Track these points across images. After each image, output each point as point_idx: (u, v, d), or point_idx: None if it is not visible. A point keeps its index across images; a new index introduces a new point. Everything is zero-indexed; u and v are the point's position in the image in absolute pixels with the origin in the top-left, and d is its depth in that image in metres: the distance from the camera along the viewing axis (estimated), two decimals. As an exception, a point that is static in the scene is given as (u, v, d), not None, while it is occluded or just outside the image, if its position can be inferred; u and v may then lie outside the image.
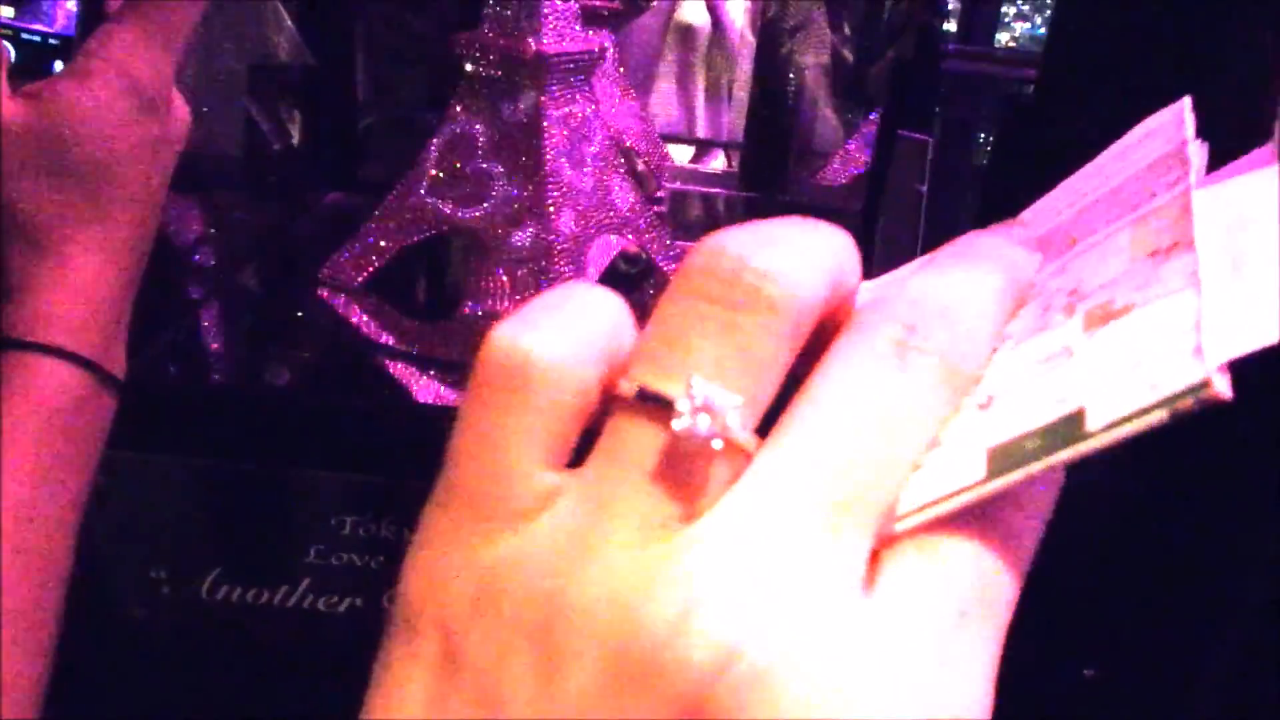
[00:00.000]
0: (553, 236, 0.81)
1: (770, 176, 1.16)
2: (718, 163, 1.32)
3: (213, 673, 0.73)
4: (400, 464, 0.67)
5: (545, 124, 0.81)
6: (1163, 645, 0.70)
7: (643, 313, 0.21)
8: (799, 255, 0.19)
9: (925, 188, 0.98)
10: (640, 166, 1.12)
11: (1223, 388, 0.16)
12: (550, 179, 0.82)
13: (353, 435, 0.69)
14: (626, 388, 0.19)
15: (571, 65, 0.82)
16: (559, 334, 0.20)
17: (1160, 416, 0.17)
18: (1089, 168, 0.26)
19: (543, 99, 0.81)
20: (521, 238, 0.82)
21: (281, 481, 0.68)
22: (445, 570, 0.19)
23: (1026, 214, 0.26)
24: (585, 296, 0.21)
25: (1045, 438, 0.18)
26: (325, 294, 0.87)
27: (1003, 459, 0.18)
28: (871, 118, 1.09)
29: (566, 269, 0.81)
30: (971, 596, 0.18)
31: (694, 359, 0.19)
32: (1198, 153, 0.23)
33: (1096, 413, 0.17)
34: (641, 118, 1.12)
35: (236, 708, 0.73)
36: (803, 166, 1.17)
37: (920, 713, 0.17)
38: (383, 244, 0.86)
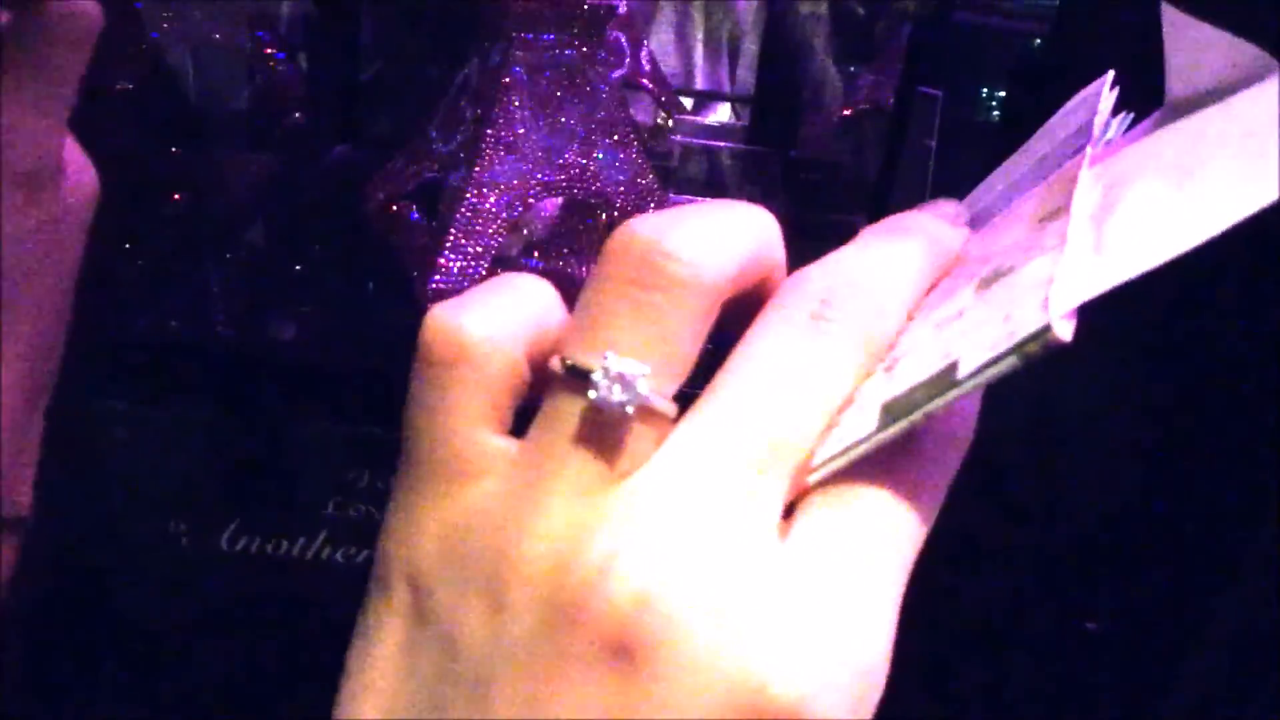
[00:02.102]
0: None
1: (781, 131, 1.15)
2: (718, 115, 1.30)
3: (231, 622, 0.74)
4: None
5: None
6: (1167, 599, 0.71)
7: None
8: (706, 238, 0.21)
9: (934, 143, 0.98)
10: (657, 118, 1.11)
11: (1064, 333, 0.18)
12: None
13: (367, 390, 0.69)
14: (555, 364, 0.22)
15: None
16: (488, 316, 0.22)
17: (1013, 362, 0.19)
18: (1026, 144, 0.28)
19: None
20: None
21: (299, 436, 0.69)
22: (410, 530, 0.22)
23: (976, 190, 0.28)
24: (515, 283, 0.24)
25: (926, 389, 0.20)
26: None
27: (892, 411, 0.20)
28: (884, 75, 1.08)
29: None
30: (875, 542, 0.21)
31: (612, 335, 0.21)
32: (1111, 125, 0.26)
33: (965, 362, 0.20)
34: (655, 66, 1.11)
35: (254, 656, 0.74)
36: (810, 121, 1.16)
37: (826, 645, 0.19)
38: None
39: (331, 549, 0.71)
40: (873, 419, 0.21)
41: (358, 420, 0.69)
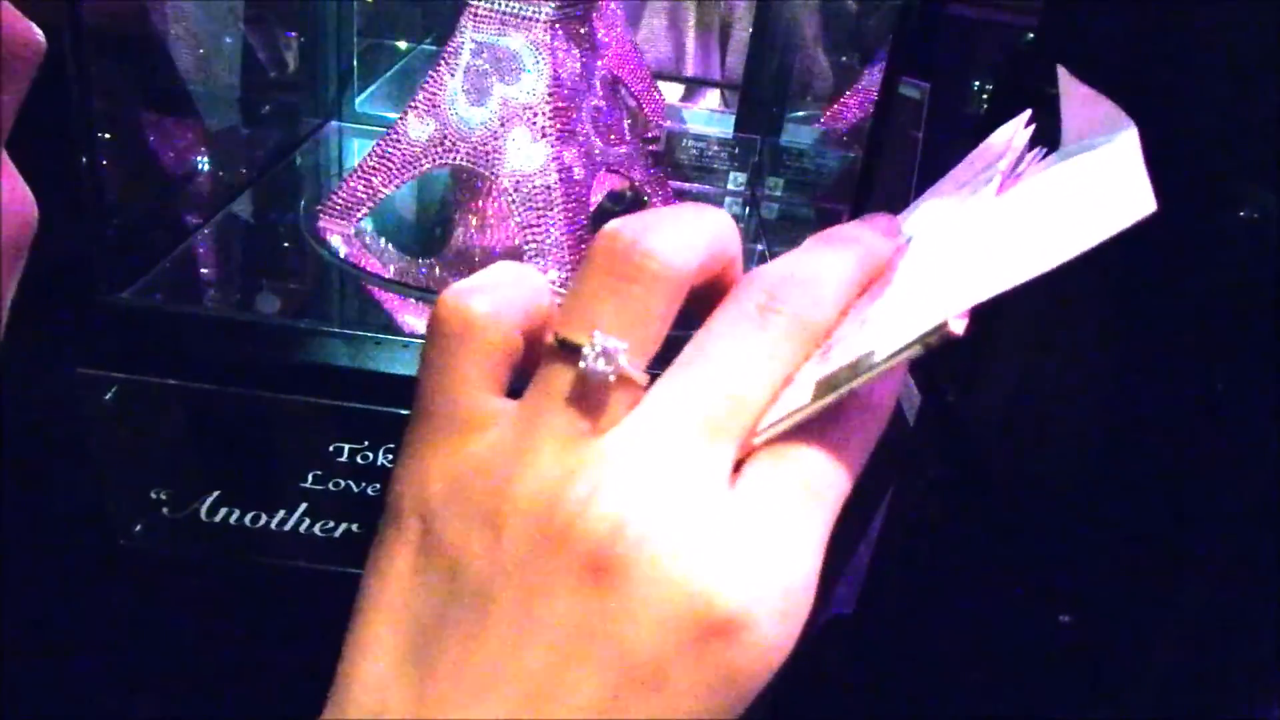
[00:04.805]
0: (559, 173, 0.81)
1: (769, 120, 1.15)
2: (707, 102, 1.30)
3: (210, 591, 0.74)
4: (395, 394, 0.68)
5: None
6: (1138, 592, 0.72)
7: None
8: (676, 237, 0.26)
9: (921, 134, 0.99)
10: (635, 104, 1.12)
11: (957, 329, 0.24)
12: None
13: (347, 365, 0.70)
14: (550, 338, 0.26)
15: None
16: (491, 297, 0.27)
17: (916, 350, 0.24)
18: (952, 170, 0.34)
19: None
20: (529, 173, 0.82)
21: (279, 409, 0.69)
22: (421, 472, 0.27)
23: (910, 207, 0.33)
24: (513, 270, 0.29)
25: (849, 371, 0.25)
26: (322, 229, 0.87)
27: (823, 388, 0.25)
28: (873, 67, 1.08)
29: (569, 204, 0.81)
30: (805, 490, 0.25)
31: (598, 317, 0.26)
32: (1024, 158, 0.31)
33: (879, 350, 0.25)
34: (637, 55, 1.12)
35: (233, 626, 0.74)
36: (800, 111, 1.16)
37: (762, 569, 0.24)
38: (377, 183, 0.86)
39: (310, 522, 0.72)
40: (808, 393, 0.25)
41: (337, 395, 0.69)
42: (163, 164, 0.85)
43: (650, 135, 1.11)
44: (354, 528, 0.72)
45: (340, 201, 0.87)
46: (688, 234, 0.27)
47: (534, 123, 0.81)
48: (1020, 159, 0.31)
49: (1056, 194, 0.27)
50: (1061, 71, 0.31)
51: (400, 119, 0.85)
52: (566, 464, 0.25)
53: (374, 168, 0.85)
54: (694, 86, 1.32)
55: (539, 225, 0.80)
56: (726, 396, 0.26)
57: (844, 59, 1.16)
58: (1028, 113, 0.33)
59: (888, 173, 0.93)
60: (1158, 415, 0.68)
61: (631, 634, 0.23)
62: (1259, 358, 0.61)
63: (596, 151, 0.87)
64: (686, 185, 1.12)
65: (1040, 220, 0.26)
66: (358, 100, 1.16)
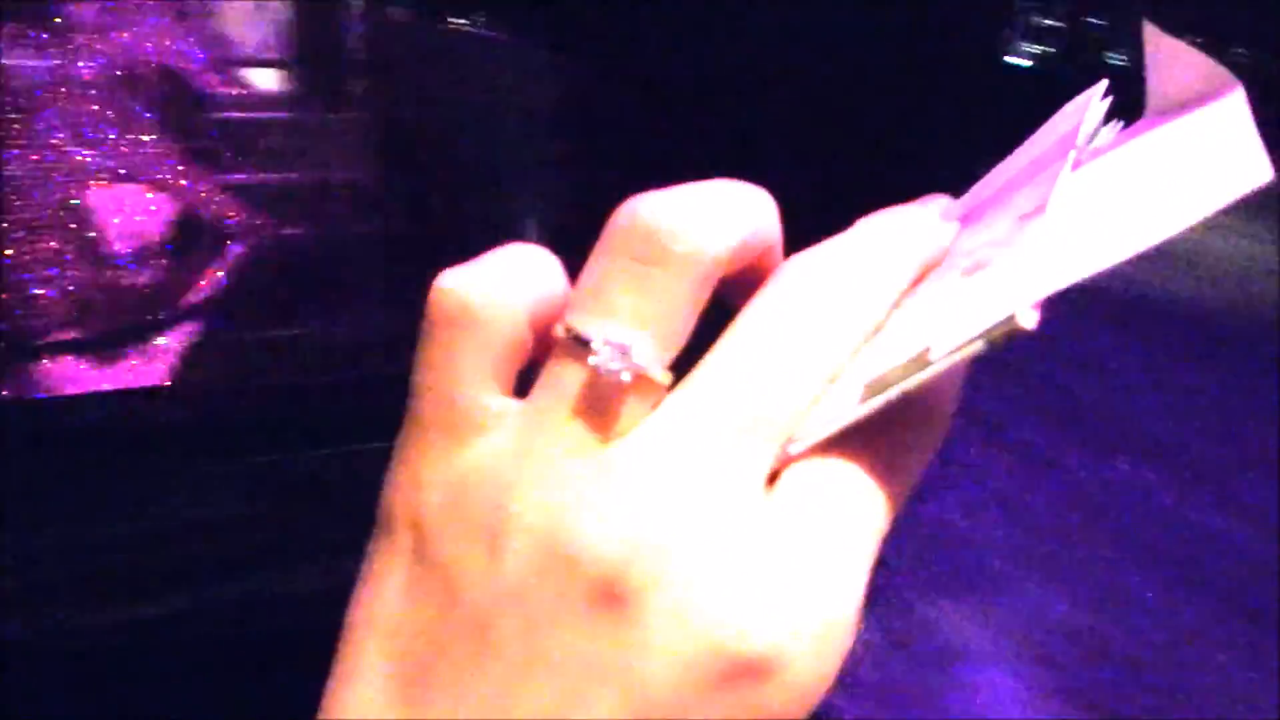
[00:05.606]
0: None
1: (327, 93, 1.04)
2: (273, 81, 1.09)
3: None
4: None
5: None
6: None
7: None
8: (705, 217, 0.23)
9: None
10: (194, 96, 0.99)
11: (1027, 322, 0.20)
12: None
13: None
14: (559, 330, 0.23)
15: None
16: (493, 281, 0.24)
17: (980, 346, 0.20)
18: (1021, 145, 0.30)
19: None
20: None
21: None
22: (415, 481, 0.23)
23: (975, 186, 0.30)
24: (521, 252, 0.25)
25: (903, 370, 0.22)
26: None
27: (873, 390, 0.22)
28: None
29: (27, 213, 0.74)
30: (850, 509, 0.22)
31: (613, 305, 0.23)
32: (1101, 132, 0.27)
33: (937, 346, 0.21)
34: (191, 41, 0.97)
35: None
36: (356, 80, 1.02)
37: (799, 602, 0.21)
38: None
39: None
40: (855, 395, 0.22)
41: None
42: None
43: (207, 129, 0.97)
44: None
45: None
46: (720, 213, 0.23)
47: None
48: (1096, 133, 0.27)
49: (1149, 165, 0.24)
50: (1149, 28, 0.27)
51: None
52: (576, 475, 0.22)
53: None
54: (254, 66, 1.08)
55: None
56: (760, 399, 0.22)
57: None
58: (1104, 83, 0.29)
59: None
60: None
61: (647, 671, 0.21)
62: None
63: (85, 159, 0.79)
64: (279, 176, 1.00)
65: (1130, 195, 0.23)
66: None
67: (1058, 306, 0.21)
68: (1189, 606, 2.47)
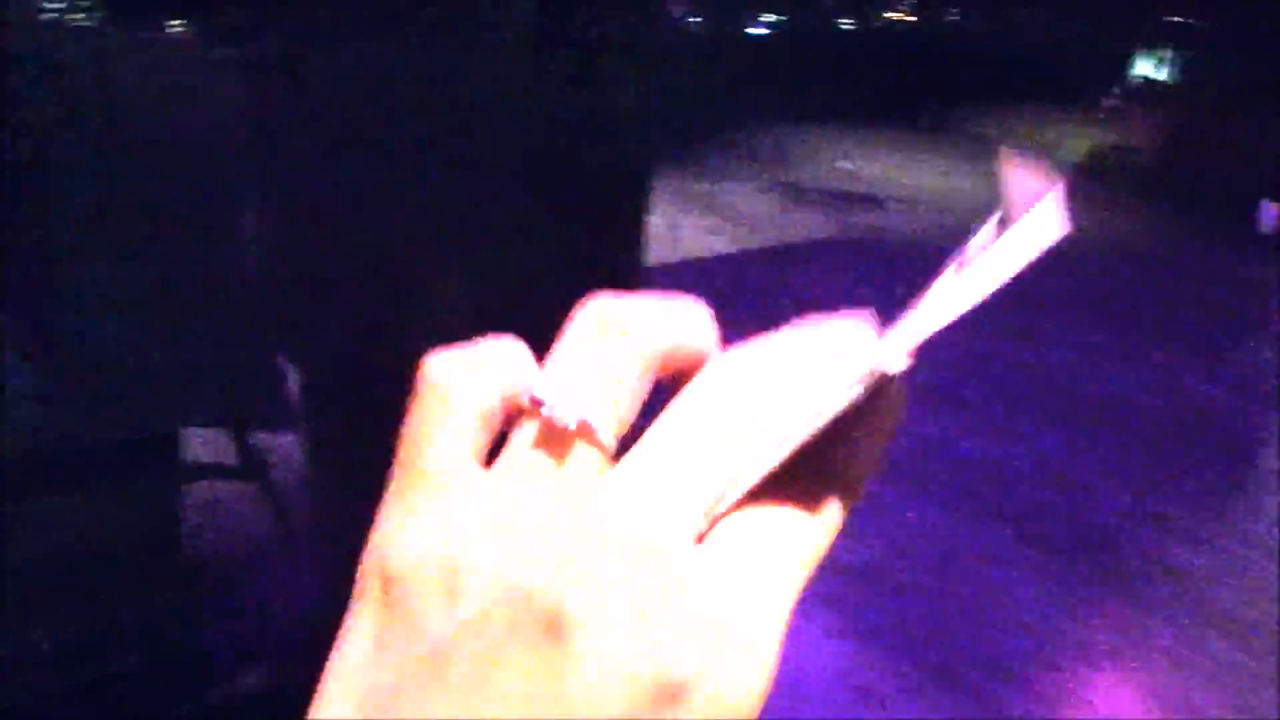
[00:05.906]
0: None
1: None
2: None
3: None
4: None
5: None
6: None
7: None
8: (649, 317, 0.28)
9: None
10: None
11: (894, 367, 0.26)
12: None
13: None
14: (523, 397, 0.28)
15: None
16: (469, 367, 0.28)
17: (856, 392, 0.26)
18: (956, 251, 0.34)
19: None
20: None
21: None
22: (387, 540, 0.27)
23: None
24: (496, 343, 0.29)
25: (801, 425, 0.26)
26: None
27: (780, 444, 0.26)
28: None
29: None
30: (774, 552, 0.26)
31: (569, 376, 0.27)
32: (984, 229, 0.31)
33: (824, 405, 0.26)
34: None
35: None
36: None
37: (724, 637, 0.25)
38: None
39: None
40: (772, 453, 0.27)
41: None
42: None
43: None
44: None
45: None
46: (658, 316, 0.28)
47: None
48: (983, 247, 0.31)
49: (985, 253, 0.28)
50: (1005, 153, 0.31)
51: None
52: (530, 523, 0.25)
53: None
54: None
55: None
56: (685, 472, 0.26)
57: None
58: (996, 215, 0.33)
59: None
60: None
61: (583, 695, 0.23)
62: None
63: None
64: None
65: (967, 271, 0.27)
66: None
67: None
68: (968, 532, 2.66)
